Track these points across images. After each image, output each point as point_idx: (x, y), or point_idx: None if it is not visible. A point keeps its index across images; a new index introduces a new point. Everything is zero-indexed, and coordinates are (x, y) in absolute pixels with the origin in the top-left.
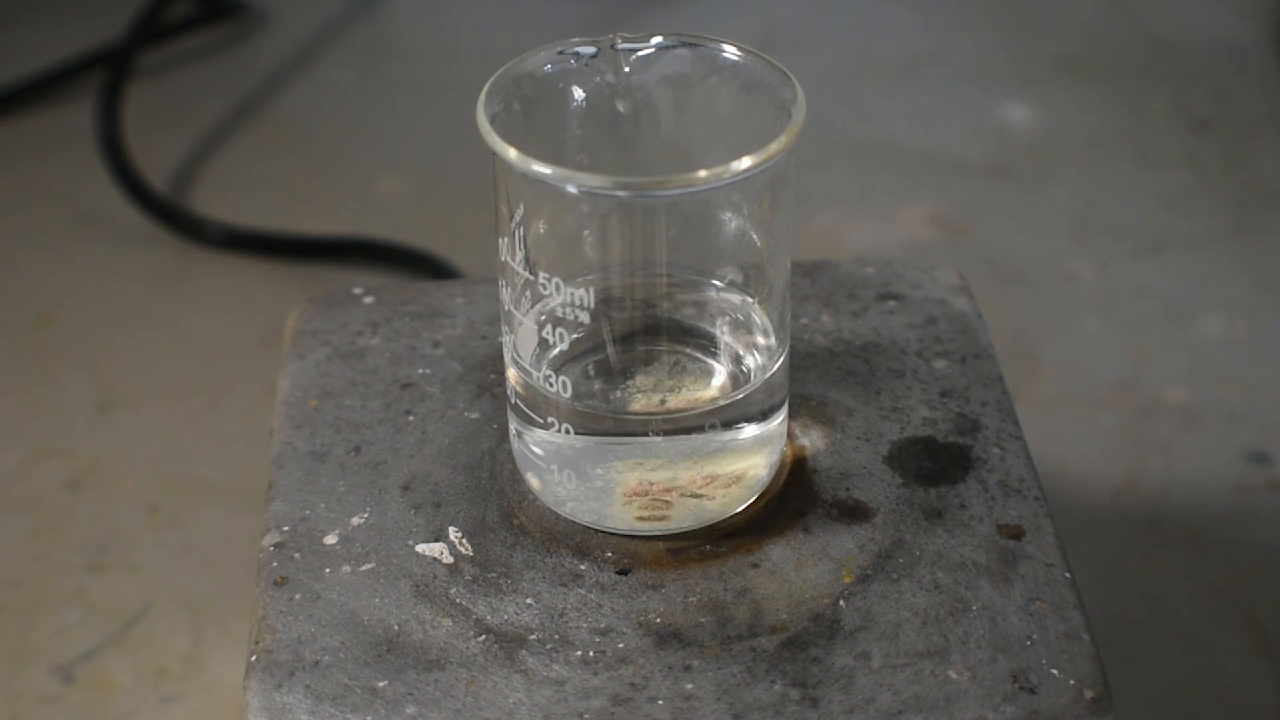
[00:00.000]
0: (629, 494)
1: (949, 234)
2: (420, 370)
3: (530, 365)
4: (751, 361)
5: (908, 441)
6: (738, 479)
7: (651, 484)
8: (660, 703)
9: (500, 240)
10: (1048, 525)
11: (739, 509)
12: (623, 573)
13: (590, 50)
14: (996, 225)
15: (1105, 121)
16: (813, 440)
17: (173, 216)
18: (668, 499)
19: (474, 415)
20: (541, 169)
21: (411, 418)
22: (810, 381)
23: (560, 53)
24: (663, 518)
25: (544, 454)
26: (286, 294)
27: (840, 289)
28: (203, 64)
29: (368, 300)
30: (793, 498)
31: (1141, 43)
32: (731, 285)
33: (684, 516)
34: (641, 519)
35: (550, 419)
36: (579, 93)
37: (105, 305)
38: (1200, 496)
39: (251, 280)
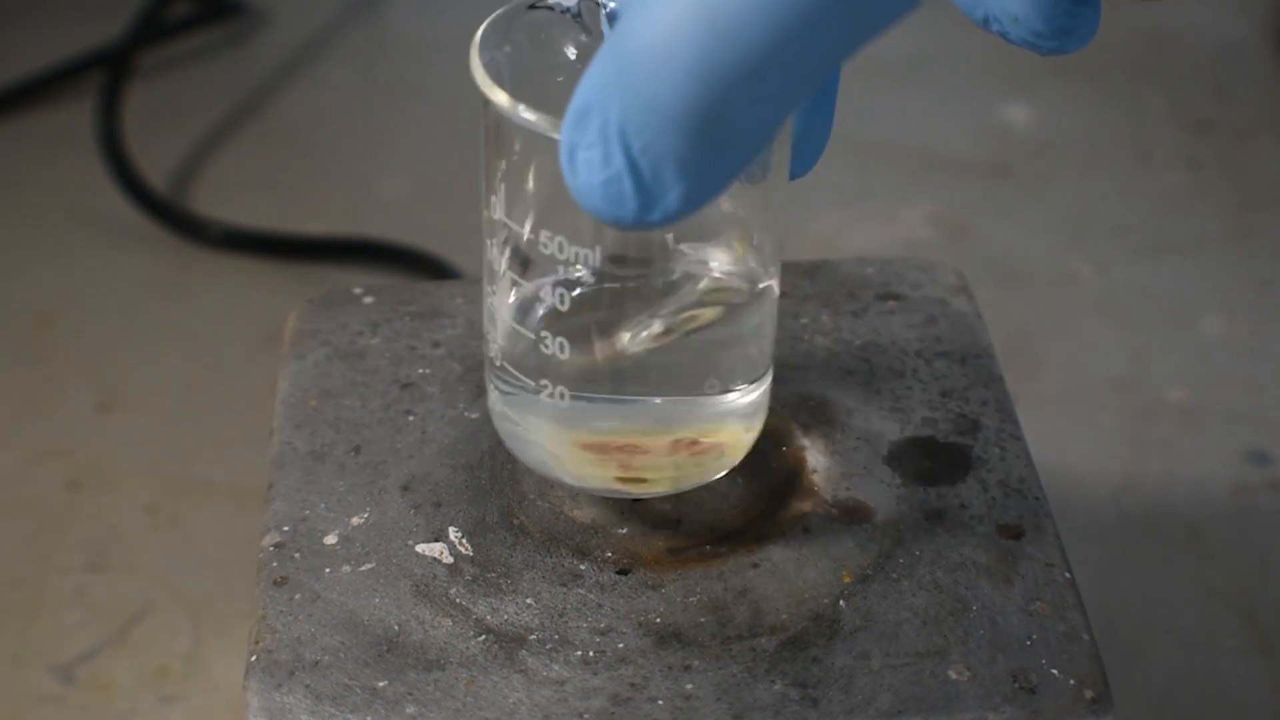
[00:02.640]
0: (611, 454)
1: (949, 234)
2: (420, 370)
3: (523, 325)
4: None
5: (908, 441)
6: (720, 445)
7: (635, 446)
8: (660, 703)
9: (491, 197)
10: (1048, 525)
11: (720, 475)
12: (623, 573)
13: (572, 2)
14: (996, 225)
15: (1105, 121)
16: (813, 440)
17: (173, 216)
18: (651, 462)
19: (474, 415)
20: (530, 115)
21: (411, 418)
22: (810, 381)
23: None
24: (643, 481)
25: (528, 416)
26: (286, 294)
27: (840, 289)
28: (203, 64)
29: (368, 300)
30: (793, 498)
31: (1141, 42)
32: (729, 247)
33: (665, 480)
34: (622, 480)
35: (543, 381)
36: (571, 51)
37: (105, 305)
38: (1200, 496)
39: (251, 280)
